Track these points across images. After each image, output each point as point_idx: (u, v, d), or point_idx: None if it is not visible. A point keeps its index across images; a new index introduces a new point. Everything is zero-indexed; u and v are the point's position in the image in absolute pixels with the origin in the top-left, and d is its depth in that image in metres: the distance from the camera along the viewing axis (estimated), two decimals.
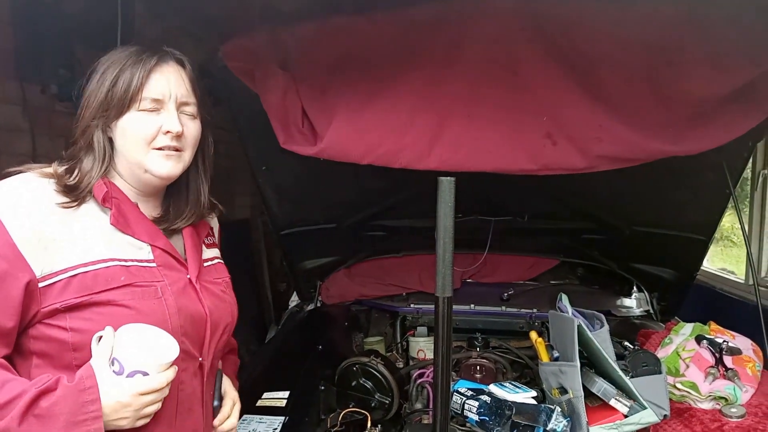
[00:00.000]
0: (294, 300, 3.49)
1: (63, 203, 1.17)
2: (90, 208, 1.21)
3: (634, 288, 3.09)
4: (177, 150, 1.28)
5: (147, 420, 1.15)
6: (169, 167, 1.28)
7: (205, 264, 1.41)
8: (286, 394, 2.10)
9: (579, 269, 3.38)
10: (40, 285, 1.11)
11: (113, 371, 1.10)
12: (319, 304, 3.21)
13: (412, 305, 2.97)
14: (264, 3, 2.22)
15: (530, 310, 2.82)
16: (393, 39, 1.77)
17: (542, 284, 3.25)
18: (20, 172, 1.20)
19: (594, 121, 1.72)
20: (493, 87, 1.73)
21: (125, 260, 1.20)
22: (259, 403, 2.05)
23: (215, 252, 1.51)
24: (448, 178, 1.28)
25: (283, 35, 1.84)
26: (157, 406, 1.16)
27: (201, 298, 1.32)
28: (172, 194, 1.40)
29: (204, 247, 1.44)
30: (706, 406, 1.88)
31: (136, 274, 1.20)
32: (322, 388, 2.23)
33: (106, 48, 1.31)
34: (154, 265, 1.25)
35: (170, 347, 1.16)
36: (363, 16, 1.79)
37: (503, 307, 2.87)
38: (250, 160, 2.44)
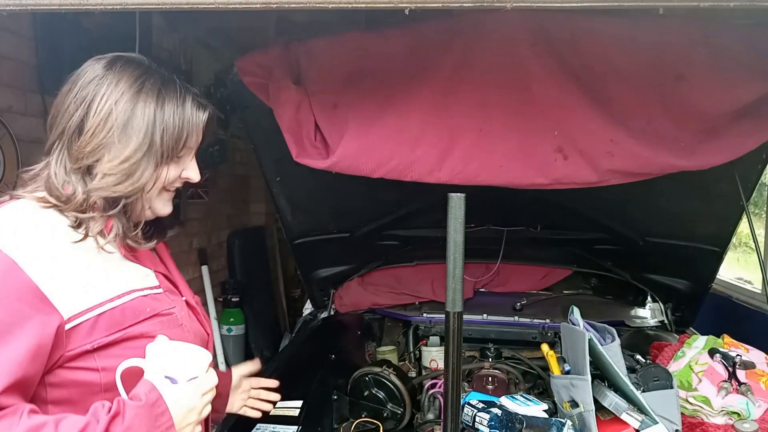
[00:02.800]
0: (308, 308, 3.51)
1: (77, 239, 1.09)
2: (99, 241, 1.13)
3: (648, 298, 3.08)
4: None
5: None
6: (170, 207, 1.26)
7: None
8: (300, 403, 2.11)
9: (592, 279, 3.37)
10: (66, 327, 1.02)
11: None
12: (332, 312, 3.24)
13: (424, 315, 2.98)
14: (279, 15, 2.26)
15: (543, 321, 2.82)
16: (403, 54, 1.79)
17: (555, 294, 3.24)
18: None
19: (605, 135, 1.72)
20: (504, 102, 1.74)
21: (142, 290, 1.17)
22: (273, 411, 2.06)
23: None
24: (458, 194, 1.29)
25: (296, 50, 1.87)
26: (209, 407, 1.15)
27: (200, 318, 1.33)
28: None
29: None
30: (719, 421, 1.87)
31: (155, 303, 1.18)
32: (335, 397, 2.25)
33: None
34: (161, 290, 1.22)
35: (202, 351, 1.18)
36: (374, 31, 1.81)
37: (516, 317, 2.87)
38: (264, 171, 2.47)
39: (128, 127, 1.12)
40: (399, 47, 1.78)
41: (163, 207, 1.23)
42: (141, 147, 1.12)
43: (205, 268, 4.21)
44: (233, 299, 4.52)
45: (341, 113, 1.84)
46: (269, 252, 5.44)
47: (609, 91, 1.70)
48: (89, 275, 1.08)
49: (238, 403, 1.74)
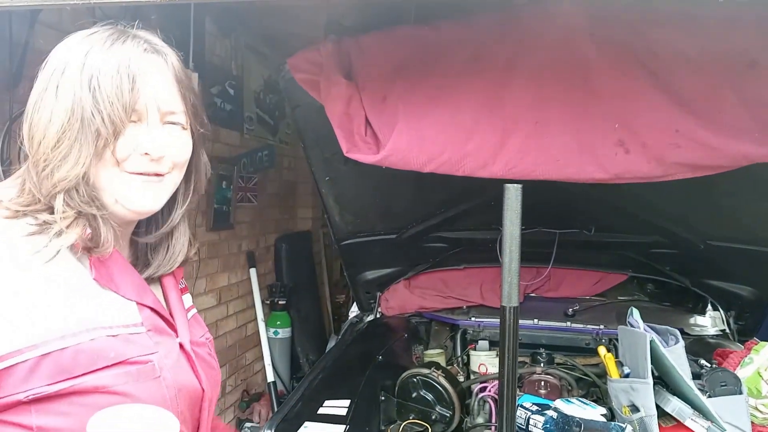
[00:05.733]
0: (353, 310, 3.51)
1: (44, 256, 0.86)
2: (60, 255, 0.88)
3: (709, 306, 2.94)
4: (158, 175, 0.98)
5: None
6: (149, 199, 0.98)
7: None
8: (347, 402, 2.09)
9: (649, 285, 3.24)
10: None
11: None
12: (378, 315, 3.22)
13: (473, 318, 2.92)
14: (328, 19, 2.28)
15: (597, 327, 2.72)
16: (455, 46, 1.77)
17: (609, 300, 3.13)
18: None
19: (670, 126, 1.64)
20: (561, 92, 1.69)
21: (111, 327, 0.89)
22: (320, 411, 2.05)
23: (190, 299, 1.19)
24: (515, 185, 1.25)
25: (347, 46, 1.87)
26: None
27: (196, 369, 1.04)
28: (149, 229, 1.09)
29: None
30: None
31: (126, 346, 0.90)
32: (383, 398, 2.22)
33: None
34: (143, 329, 0.94)
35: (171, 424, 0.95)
36: (426, 24, 1.79)
37: (568, 323, 2.78)
38: (313, 171, 2.48)
39: (53, 95, 0.92)
40: (451, 39, 1.76)
41: (133, 199, 0.96)
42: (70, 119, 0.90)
43: (253, 271, 4.26)
44: (280, 302, 4.57)
45: (391, 107, 1.82)
46: (315, 257, 5.47)
47: (675, 80, 1.62)
48: (37, 302, 0.84)
49: None
